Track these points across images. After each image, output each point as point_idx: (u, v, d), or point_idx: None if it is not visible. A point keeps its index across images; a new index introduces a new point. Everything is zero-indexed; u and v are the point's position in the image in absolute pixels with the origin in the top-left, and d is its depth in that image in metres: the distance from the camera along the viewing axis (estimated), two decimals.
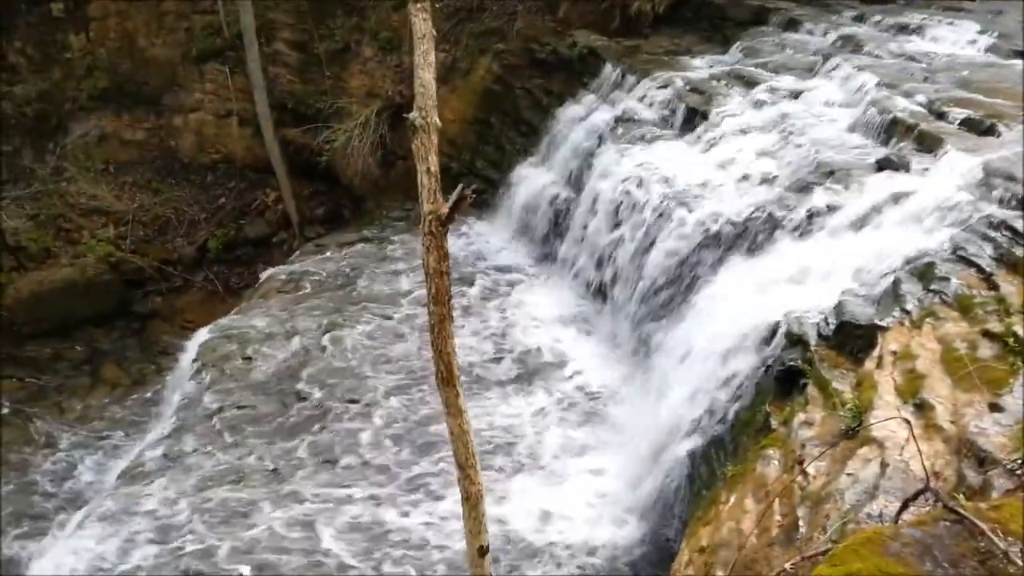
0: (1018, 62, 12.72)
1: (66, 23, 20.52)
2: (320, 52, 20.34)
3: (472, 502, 5.50)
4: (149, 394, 15.38)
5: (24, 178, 19.12)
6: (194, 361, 13.88)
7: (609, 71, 16.82)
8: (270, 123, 19.40)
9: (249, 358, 13.80)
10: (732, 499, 7.29)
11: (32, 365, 16.53)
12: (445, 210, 5.04)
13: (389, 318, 14.63)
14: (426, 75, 5.14)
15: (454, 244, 16.36)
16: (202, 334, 14.64)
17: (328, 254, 17.26)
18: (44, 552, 11.52)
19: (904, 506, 5.29)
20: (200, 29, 20.75)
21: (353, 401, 12.83)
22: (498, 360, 13.40)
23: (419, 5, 5.20)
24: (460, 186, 5.10)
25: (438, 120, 5.12)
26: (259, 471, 11.61)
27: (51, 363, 16.69)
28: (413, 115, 5.03)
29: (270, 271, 17.12)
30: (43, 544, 11.78)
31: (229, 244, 19.52)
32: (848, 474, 6.10)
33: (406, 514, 10.70)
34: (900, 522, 5.14)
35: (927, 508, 5.24)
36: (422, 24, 5.17)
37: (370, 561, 10.08)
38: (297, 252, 18.13)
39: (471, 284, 15.38)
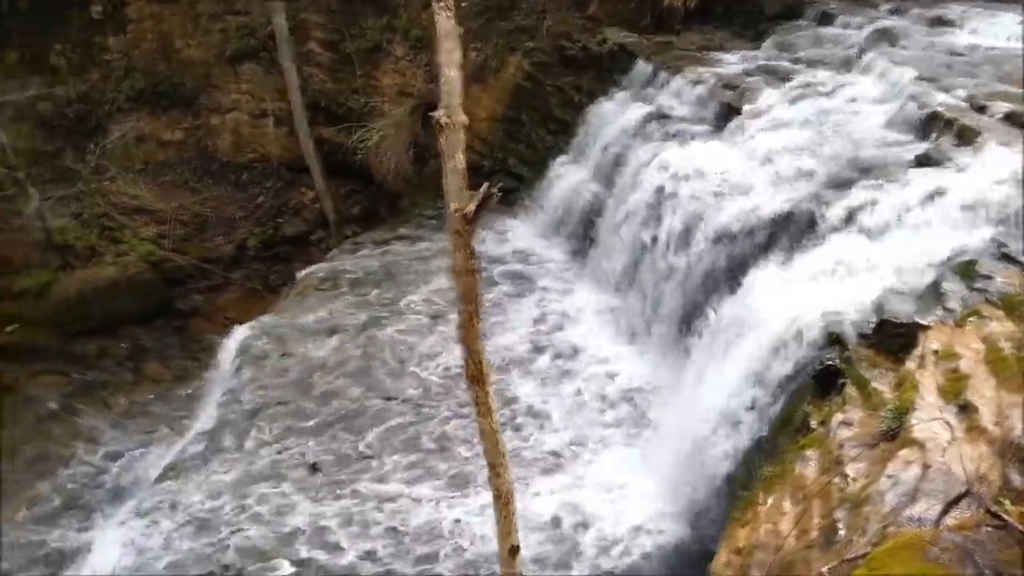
0: None
1: (105, 25, 20.89)
2: (352, 51, 20.49)
3: (503, 501, 5.53)
4: (191, 390, 15.65)
5: (67, 178, 19.49)
6: (234, 358, 14.12)
7: (641, 68, 16.77)
8: (304, 122, 19.61)
9: (288, 355, 14.01)
10: (770, 500, 7.28)
11: (78, 361, 16.90)
12: (471, 209, 5.07)
13: (425, 315, 14.76)
14: (452, 73, 5.15)
15: (487, 241, 16.50)
16: (241, 331, 14.88)
17: (364, 252, 17.43)
18: (90, 545, 11.84)
19: (945, 510, 5.28)
20: (235, 30, 21.00)
21: (390, 398, 12.98)
22: (533, 356, 13.47)
23: (442, 3, 5.21)
24: (486, 184, 5.13)
25: (464, 118, 5.12)
26: (298, 467, 11.82)
27: (97, 359, 17.07)
28: (438, 113, 5.04)
29: (308, 269, 17.33)
30: (89, 537, 12.09)
31: (267, 242, 19.81)
32: (888, 476, 6.08)
33: (443, 510, 10.84)
34: (941, 526, 5.14)
35: (969, 512, 5.22)
36: (446, 22, 5.18)
37: (407, 558, 10.22)
38: (334, 250, 18.33)
39: (504, 281, 15.45)
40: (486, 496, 5.83)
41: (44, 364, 16.69)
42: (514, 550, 5.86)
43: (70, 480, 13.62)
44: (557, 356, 13.38)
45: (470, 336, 5.50)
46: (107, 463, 14.02)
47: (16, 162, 17.70)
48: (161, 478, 12.05)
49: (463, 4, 18.47)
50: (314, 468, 11.77)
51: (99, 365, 16.90)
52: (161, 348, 17.50)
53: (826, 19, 16.43)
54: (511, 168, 18.53)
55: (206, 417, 13.20)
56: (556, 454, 11.41)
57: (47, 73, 20.38)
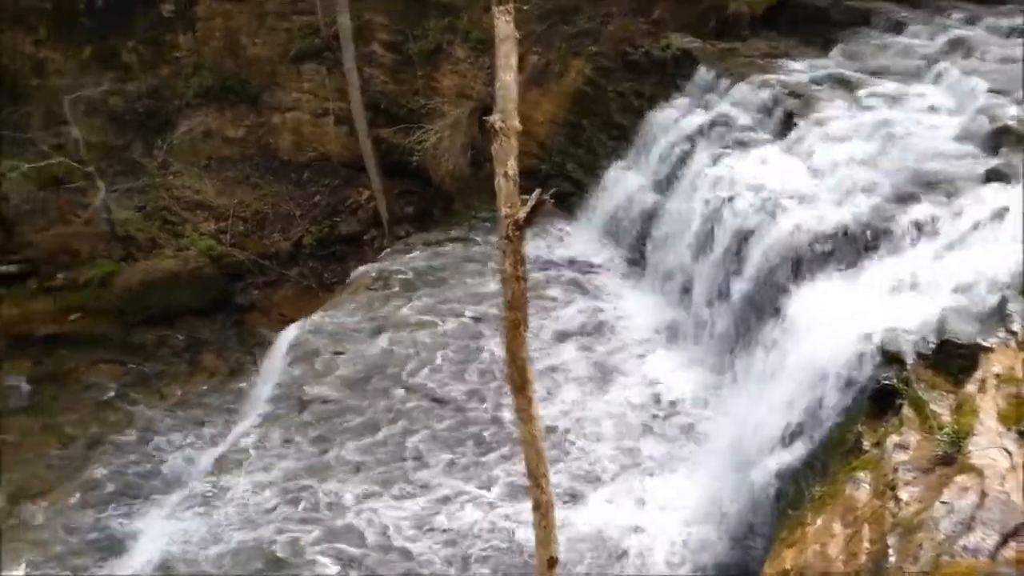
0: None
1: (175, 23, 21.42)
2: (414, 52, 20.64)
3: (542, 511, 5.47)
4: (244, 384, 15.94)
5: (134, 171, 20.04)
6: (286, 354, 14.30)
7: (703, 74, 16.52)
8: (364, 122, 19.80)
9: (338, 353, 14.14)
10: (819, 521, 7.08)
11: (137, 351, 17.36)
12: (523, 215, 5.01)
13: (474, 318, 14.76)
14: (507, 77, 5.11)
15: (541, 245, 16.45)
16: (294, 328, 15.08)
17: (416, 253, 17.52)
18: (139, 533, 12.11)
19: (1003, 541, 5.08)
20: (299, 29, 21.35)
21: (437, 400, 13.01)
22: (580, 363, 13.34)
23: (502, 7, 5.17)
24: (537, 191, 5.07)
25: (518, 124, 5.07)
26: (344, 464, 11.92)
27: (154, 350, 17.50)
28: (493, 118, 5.01)
29: (360, 268, 17.48)
30: (138, 525, 12.37)
31: (323, 240, 20.09)
32: (943, 502, 5.86)
33: (486, 514, 10.81)
34: (998, 558, 4.92)
35: None
36: (504, 26, 5.14)
37: (449, 560, 10.22)
38: (387, 250, 18.47)
39: (556, 285, 15.36)
40: (528, 503, 5.77)
41: (103, 353, 17.20)
42: (552, 561, 5.77)
43: (123, 467, 13.98)
44: (605, 364, 13.23)
45: (515, 343, 5.45)
46: (159, 452, 14.36)
47: (87, 155, 18.25)
48: (212, 469, 12.28)
49: (525, 8, 18.46)
50: (359, 466, 11.86)
51: (156, 355, 17.34)
52: (217, 341, 17.86)
53: (897, 28, 15.97)
54: (568, 173, 18.43)
55: (257, 411, 13.39)
56: (600, 465, 11.27)
57: (119, 69, 20.98)
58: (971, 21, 15.33)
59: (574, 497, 10.70)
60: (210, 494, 11.61)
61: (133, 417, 15.38)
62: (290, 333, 14.98)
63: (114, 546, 12.18)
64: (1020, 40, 13.97)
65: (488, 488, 11.26)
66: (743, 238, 12.41)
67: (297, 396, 13.27)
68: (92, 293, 18.04)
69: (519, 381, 5.55)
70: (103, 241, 18.85)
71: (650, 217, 15.54)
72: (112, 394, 16.01)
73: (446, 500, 11.14)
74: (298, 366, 13.92)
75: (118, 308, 18.00)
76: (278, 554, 10.46)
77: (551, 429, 11.55)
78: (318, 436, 12.50)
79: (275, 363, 14.44)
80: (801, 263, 11.23)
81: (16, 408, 15.87)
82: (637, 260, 15.67)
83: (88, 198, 18.38)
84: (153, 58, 21.36)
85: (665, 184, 15.51)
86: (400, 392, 13.23)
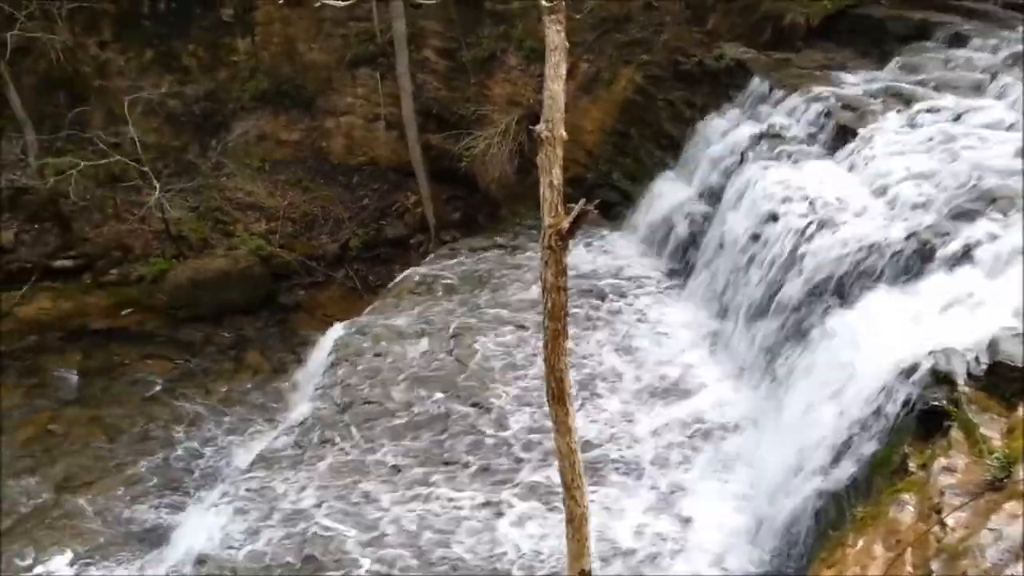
0: None
1: (234, 28, 21.89)
2: (467, 60, 20.76)
3: (576, 524, 5.40)
4: (287, 383, 16.13)
5: (189, 171, 20.49)
6: (329, 355, 14.44)
7: (756, 84, 16.31)
8: (415, 128, 19.98)
9: (380, 355, 14.24)
10: (860, 543, 6.89)
11: (185, 348, 17.71)
12: (566, 225, 5.00)
13: (517, 325, 14.72)
14: (555, 87, 5.11)
15: (586, 254, 16.38)
16: (338, 329, 15.22)
17: (461, 258, 17.58)
18: (182, 524, 12.30)
19: None
20: (355, 35, 21.63)
21: (477, 405, 13.00)
22: (621, 374, 13.22)
23: (553, 16, 5.17)
24: (582, 201, 5.04)
25: (564, 133, 5.07)
26: (383, 465, 11.96)
27: (202, 346, 17.83)
28: (540, 127, 5.01)
29: (405, 272, 17.63)
30: (179, 518, 12.57)
31: (369, 243, 20.33)
32: (991, 529, 5.67)
33: (521, 522, 10.74)
34: None
35: None
36: (555, 36, 5.14)
37: (483, 566, 10.16)
38: (432, 255, 18.58)
39: (601, 296, 15.27)
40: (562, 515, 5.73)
41: (152, 348, 17.59)
42: (585, 574, 5.69)
43: (166, 461, 14.26)
44: (646, 376, 13.08)
45: (554, 353, 5.41)
46: (203, 447, 14.62)
47: (144, 155, 18.71)
48: (252, 466, 12.41)
49: (578, 17, 18.42)
50: (397, 468, 11.89)
51: (203, 352, 17.66)
52: (263, 339, 18.14)
53: (958, 41, 15.53)
54: (615, 182, 18.34)
55: (299, 410, 13.54)
56: (639, 476, 11.12)
57: (178, 72, 21.51)
58: None
59: (610, 510, 10.57)
60: (250, 491, 11.72)
61: (178, 412, 15.69)
62: (334, 333, 15.13)
63: (155, 539, 12.42)
64: None
65: (525, 497, 11.18)
66: (792, 252, 12.18)
67: (339, 396, 13.38)
68: (144, 289, 18.50)
69: (557, 391, 5.51)
70: (157, 239, 19.34)
71: (697, 229, 15.37)
72: (159, 389, 16.36)
73: (484, 506, 11.08)
74: (341, 366, 14.04)
75: (168, 305, 18.42)
76: (315, 553, 10.51)
77: (588, 441, 11.45)
78: (358, 437, 12.56)
79: (319, 363, 14.61)
80: (852, 278, 10.99)
81: (65, 400, 16.30)
82: (681, 271, 15.49)
83: (143, 197, 18.86)
84: (211, 61, 21.86)
85: (713, 196, 15.32)
86: (441, 396, 13.25)
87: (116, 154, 18.44)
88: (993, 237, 9.53)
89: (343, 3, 6.24)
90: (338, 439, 12.52)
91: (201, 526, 11.31)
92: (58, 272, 18.98)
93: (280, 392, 15.89)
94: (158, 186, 18.31)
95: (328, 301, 19.17)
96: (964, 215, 10.24)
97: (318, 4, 6.06)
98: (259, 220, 20.14)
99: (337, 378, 13.83)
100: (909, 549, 6.27)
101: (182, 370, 17.03)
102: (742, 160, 14.88)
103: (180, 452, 14.52)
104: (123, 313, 18.22)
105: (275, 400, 15.70)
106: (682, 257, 15.61)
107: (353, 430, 12.65)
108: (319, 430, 12.74)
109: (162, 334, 17.91)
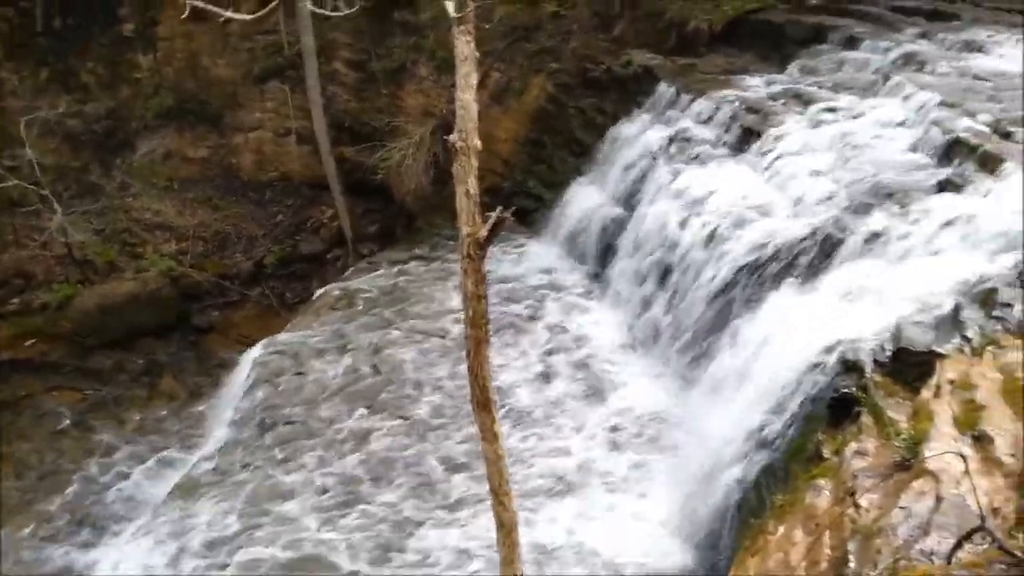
0: None
1: (135, 43, 21.18)
2: (378, 71, 20.62)
3: (506, 530, 5.41)
4: (204, 407, 15.63)
5: (92, 193, 19.72)
6: (247, 376, 14.11)
7: (664, 90, 16.67)
8: (327, 141, 19.71)
9: (301, 374, 13.99)
10: (781, 529, 7.09)
11: (94, 376, 16.93)
12: (483, 234, 5.02)
13: (438, 336, 14.67)
14: (467, 97, 5.13)
15: (505, 263, 16.41)
16: (256, 349, 14.89)
17: (380, 271, 17.42)
18: (96, 563, 11.80)
19: (958, 544, 5.10)
20: (262, 49, 21.21)
21: (403, 418, 12.89)
22: (544, 379, 13.30)
23: (463, 28, 5.19)
24: (498, 209, 5.08)
25: (478, 143, 5.09)
26: (308, 487, 11.72)
27: (112, 374, 17.09)
28: (453, 137, 5.03)
29: (324, 288, 17.36)
30: (96, 555, 12.04)
31: (285, 260, 19.84)
32: (901, 508, 5.91)
33: (452, 534, 10.67)
34: (953, 561, 4.94)
35: (983, 546, 5.04)
36: (464, 46, 5.15)
37: None
38: (351, 269, 18.35)
39: (520, 302, 15.33)
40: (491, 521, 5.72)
41: (60, 379, 16.76)
42: None
43: (80, 497, 13.60)
44: (569, 379, 13.19)
45: (477, 361, 5.42)
46: (117, 480, 13.99)
47: (42, 178, 17.91)
48: (171, 496, 12.03)
49: (487, 27, 18.52)
50: (323, 489, 11.67)
51: (114, 380, 16.92)
52: (176, 364, 17.51)
53: (852, 43, 16.20)
54: (531, 189, 18.47)
55: (217, 435, 13.20)
56: (564, 479, 11.19)
57: (77, 90, 20.68)
58: (923, 36, 15.61)
59: (540, 512, 10.61)
60: (169, 521, 11.37)
61: (90, 445, 14.98)
62: (253, 354, 14.79)
63: None
64: (969, 54, 14.25)
65: (454, 508, 11.13)
66: (703, 251, 12.49)
67: (259, 418, 13.08)
68: (49, 318, 17.60)
69: (481, 399, 5.52)
70: (60, 264, 18.47)
71: (612, 232, 15.60)
72: (68, 422, 15.59)
73: (411, 522, 10.98)
74: (260, 388, 13.72)
75: (75, 332, 17.58)
76: None
77: (515, 446, 11.48)
78: (281, 459, 12.30)
79: (237, 384, 14.25)
80: (761, 274, 11.33)
81: None
82: (600, 274, 15.68)
83: (44, 221, 18.02)
84: (112, 79, 21.08)
85: (627, 199, 15.58)
86: (365, 411, 13.09)
87: (13, 178, 17.60)
88: (892, 228, 9.96)
89: (248, 17, 6.09)
90: (260, 462, 12.23)
91: (120, 561, 10.91)
92: None
93: (197, 417, 15.38)
94: (59, 209, 17.54)
95: (244, 321, 18.65)
96: (863, 209, 10.69)
97: (222, 20, 5.89)
98: (169, 240, 19.48)
99: (257, 400, 13.51)
100: (827, 532, 6.49)
101: (92, 400, 16.28)
102: (653, 164, 15.18)
103: (93, 486, 13.85)
104: (27, 344, 17.35)
105: (192, 426, 15.18)
106: (600, 260, 15.80)
107: (275, 452, 12.37)
108: (240, 454, 12.43)
109: (69, 363, 17.08)
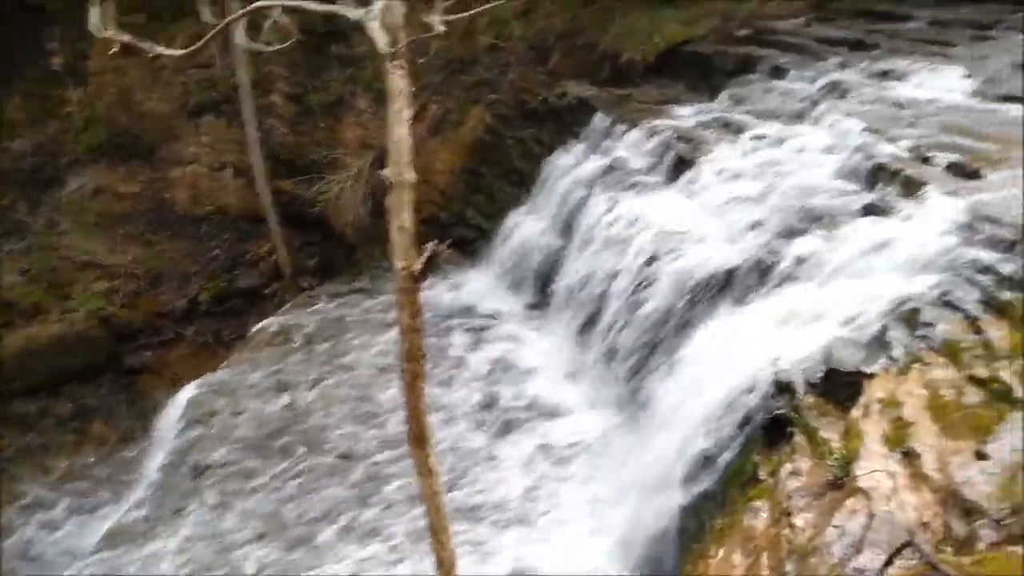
0: (1005, 106, 12.70)
1: (64, 78, 20.72)
2: (315, 104, 20.51)
3: (445, 568, 5.34)
4: (135, 452, 15.11)
5: (17, 232, 19.12)
6: (180, 417, 13.71)
7: (599, 120, 16.89)
8: (264, 174, 19.47)
9: (237, 413, 13.66)
10: (721, 553, 7.12)
11: (18, 423, 16.24)
12: (418, 267, 5.02)
13: (379, 369, 14.48)
14: (400, 131, 5.13)
15: (445, 293, 16.33)
16: (189, 389, 14.49)
17: (319, 305, 17.18)
18: None
19: (889, 560, 5.16)
20: (196, 83, 20.94)
21: (343, 457, 12.65)
22: (485, 410, 13.20)
23: (396, 62, 5.19)
24: (433, 242, 5.09)
25: (413, 176, 5.10)
26: (244, 531, 11.38)
27: (38, 420, 16.42)
28: (387, 171, 5.03)
29: (261, 323, 17.02)
30: None
31: (221, 296, 19.37)
32: (835, 526, 5.96)
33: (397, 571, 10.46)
34: None
35: (913, 561, 5.10)
36: (398, 80, 5.16)
37: None
38: (289, 303, 18.05)
39: (460, 334, 15.24)
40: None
41: None
42: None
43: (6, 550, 12.96)
44: (510, 410, 13.12)
45: (413, 396, 5.37)
46: (42, 531, 13.40)
47: None
48: (98, 547, 11.56)
49: (421, 61, 18.59)
50: (260, 534, 11.34)
51: (39, 426, 16.25)
52: (107, 407, 16.91)
53: (778, 73, 16.65)
54: (469, 220, 18.50)
55: (149, 480, 12.74)
56: (506, 510, 11.08)
57: (3, 126, 20.13)
58: (844, 65, 16.10)
59: (481, 546, 10.46)
60: (99, 573, 10.92)
61: (12, 495, 14.32)
62: (185, 394, 14.38)
63: None
64: (888, 82, 14.74)
65: (398, 548, 10.92)
66: (639, 279, 12.59)
67: (193, 461, 12.69)
68: None
69: (417, 434, 5.50)
70: None
71: (551, 261, 15.66)
72: None
73: (356, 562, 10.73)
74: (194, 429, 13.34)
75: None
76: None
77: (453, 482, 11.34)
78: (216, 503, 11.93)
79: (168, 427, 13.81)
80: (695, 301, 11.45)
81: None
82: (539, 304, 15.71)
83: None
84: (40, 114, 20.58)
85: (565, 228, 15.68)
86: (304, 451, 12.81)
87: None
88: (820, 252, 10.16)
89: (179, 53, 6.00)
90: (194, 507, 11.84)
91: None
92: None
93: (128, 462, 14.85)
94: None
95: (178, 360, 18.14)
96: (792, 233, 10.89)
97: (151, 56, 5.82)
98: (99, 279, 18.91)
99: (190, 441, 13.12)
100: (765, 553, 6.52)
101: (16, 447, 15.55)
102: (589, 193, 15.32)
103: (14, 539, 13.22)
104: None
105: (123, 472, 14.64)
106: (539, 290, 15.84)
107: (209, 496, 12.00)
108: (173, 499, 12.02)
109: None
